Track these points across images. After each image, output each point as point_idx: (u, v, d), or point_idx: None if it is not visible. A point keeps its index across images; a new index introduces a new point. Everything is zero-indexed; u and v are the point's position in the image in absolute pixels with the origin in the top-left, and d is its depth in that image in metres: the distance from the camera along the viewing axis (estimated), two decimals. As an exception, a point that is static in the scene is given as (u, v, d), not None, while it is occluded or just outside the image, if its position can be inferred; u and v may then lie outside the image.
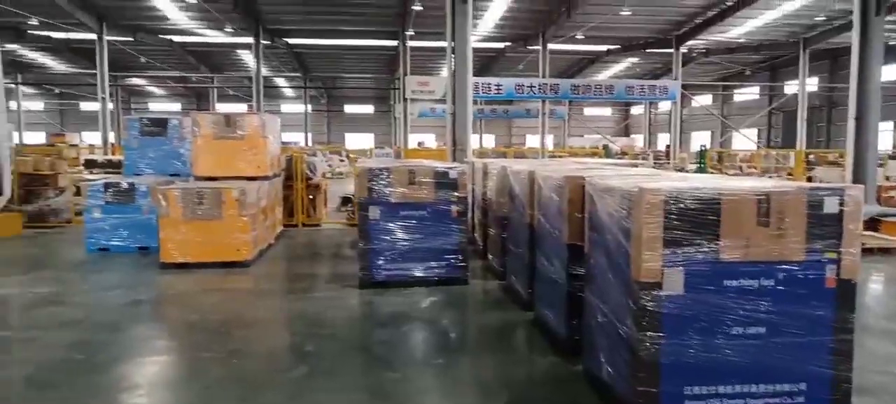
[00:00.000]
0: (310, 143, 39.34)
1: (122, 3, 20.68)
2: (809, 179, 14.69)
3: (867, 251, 7.82)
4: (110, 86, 27.29)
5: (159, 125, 9.21)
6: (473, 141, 39.43)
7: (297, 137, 41.80)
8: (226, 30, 23.87)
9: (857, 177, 10.62)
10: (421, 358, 4.37)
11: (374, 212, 5.95)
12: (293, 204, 10.33)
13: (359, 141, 43.97)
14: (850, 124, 10.88)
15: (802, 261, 3.04)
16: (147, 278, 6.62)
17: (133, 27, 23.63)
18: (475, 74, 27.25)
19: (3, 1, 18.97)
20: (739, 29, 22.94)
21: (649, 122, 37.67)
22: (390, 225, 5.98)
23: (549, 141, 32.20)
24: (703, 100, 37.73)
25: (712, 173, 16.12)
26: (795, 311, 3.05)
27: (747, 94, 35.60)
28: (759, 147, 30.36)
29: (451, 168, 6.11)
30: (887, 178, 11.35)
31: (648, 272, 2.98)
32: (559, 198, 4.25)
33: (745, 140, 30.36)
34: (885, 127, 24.00)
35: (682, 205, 2.99)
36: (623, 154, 26.06)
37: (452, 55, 10.37)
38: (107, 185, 8.01)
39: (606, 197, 3.45)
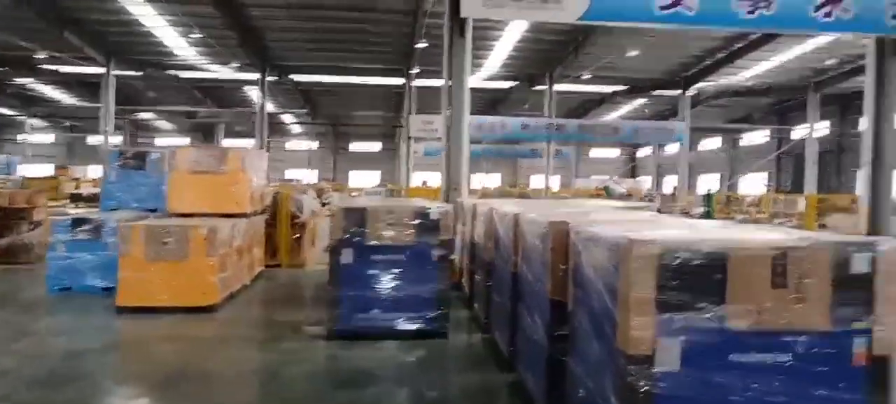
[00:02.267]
0: (316, 180, 39.18)
1: (130, 38, 20.75)
2: (822, 227, 14.05)
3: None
4: (119, 120, 27.31)
5: (139, 158, 8.82)
6: (478, 180, 39.17)
7: (302, 174, 41.68)
8: (231, 65, 23.88)
9: (874, 226, 10.03)
10: (382, 427, 3.79)
11: (346, 256, 5.42)
12: (277, 243, 9.83)
13: (365, 178, 43.72)
14: (865, 170, 10.35)
15: (826, 332, 2.49)
16: (99, 323, 6.09)
17: (141, 62, 23.67)
18: (482, 113, 27.03)
19: (13, 34, 19.02)
20: (748, 72, 22.61)
21: (657, 164, 37.20)
22: (364, 270, 5.44)
23: (556, 181, 31.77)
24: (712, 142, 37.29)
25: (719, 218, 15.50)
26: (818, 395, 2.48)
27: (756, 137, 35.11)
28: (768, 190, 29.70)
29: (432, 208, 5.60)
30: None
31: (637, 342, 2.43)
32: (542, 245, 3.72)
33: (753, 183, 29.75)
34: None
35: (679, 261, 2.46)
36: (629, 195, 25.51)
37: (449, 89, 9.98)
38: (75, 221, 7.56)
39: (591, 247, 2.92)
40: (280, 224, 9.87)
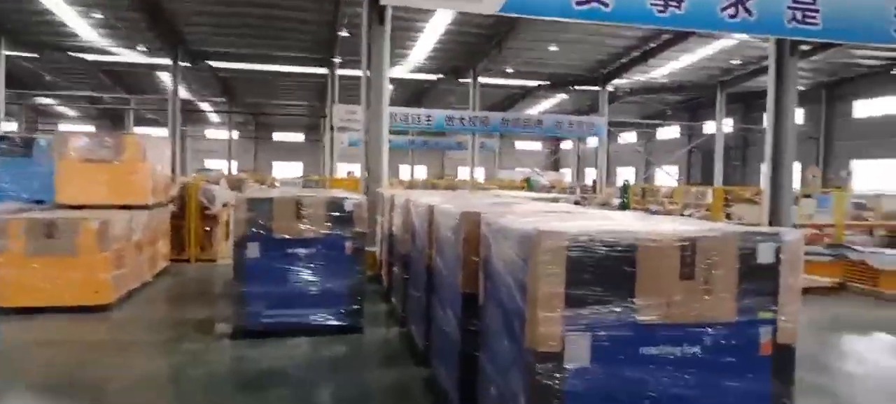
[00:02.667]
0: (237, 171, 37.67)
1: (23, 16, 18.92)
2: (728, 217, 14.79)
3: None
4: (13, 105, 24.95)
5: (24, 145, 8.04)
6: (405, 172, 38.73)
7: (223, 164, 39.96)
8: (138, 49, 22.38)
9: (775, 216, 10.64)
10: (287, 432, 3.55)
11: (252, 250, 5.09)
12: (185, 237, 9.26)
13: (289, 169, 42.44)
14: (767, 164, 10.96)
15: (733, 322, 2.48)
16: (-28, 327, 5.47)
17: (37, 43, 21.71)
18: (408, 105, 26.69)
19: None
20: (661, 70, 23.52)
21: (578, 157, 38.24)
22: (273, 264, 5.13)
23: (481, 173, 32.01)
24: (629, 137, 38.73)
25: (636, 209, 16.07)
26: (726, 385, 2.47)
27: (669, 132, 36.78)
28: (679, 183, 31.22)
29: (346, 199, 5.36)
30: (809, 217, 11.44)
31: (546, 338, 2.33)
32: (455, 237, 3.58)
33: (667, 176, 31.19)
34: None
35: (589, 253, 2.37)
36: (552, 187, 26.07)
37: (368, 78, 9.71)
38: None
39: (501, 239, 2.80)
40: (188, 216, 9.29)
